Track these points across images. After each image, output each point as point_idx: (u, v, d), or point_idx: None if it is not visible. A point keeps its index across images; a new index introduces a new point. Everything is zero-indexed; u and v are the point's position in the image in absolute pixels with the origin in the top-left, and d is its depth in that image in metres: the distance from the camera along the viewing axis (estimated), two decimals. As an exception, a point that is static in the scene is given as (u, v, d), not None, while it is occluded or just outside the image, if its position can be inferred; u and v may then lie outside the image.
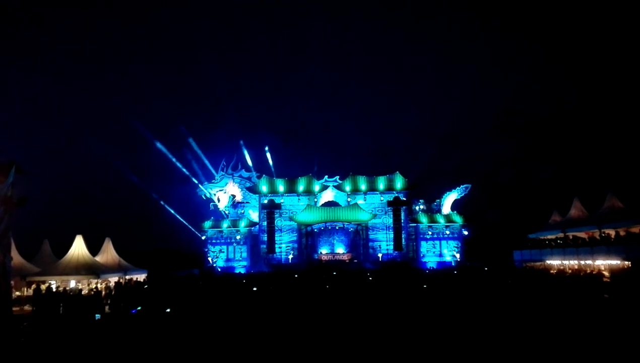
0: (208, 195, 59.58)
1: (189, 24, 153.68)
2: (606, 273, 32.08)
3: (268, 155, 63.98)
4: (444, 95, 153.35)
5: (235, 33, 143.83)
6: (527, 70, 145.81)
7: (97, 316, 17.63)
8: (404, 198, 58.85)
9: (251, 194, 60.20)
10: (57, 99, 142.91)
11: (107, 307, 24.65)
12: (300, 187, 59.48)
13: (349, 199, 59.15)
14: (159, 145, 65.78)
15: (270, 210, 58.60)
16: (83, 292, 27.98)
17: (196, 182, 59.62)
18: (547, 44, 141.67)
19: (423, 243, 57.45)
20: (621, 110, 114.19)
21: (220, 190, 59.79)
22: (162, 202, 63.09)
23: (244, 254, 57.46)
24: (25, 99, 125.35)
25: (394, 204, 58.20)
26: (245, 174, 60.80)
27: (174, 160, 61.22)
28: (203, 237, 57.98)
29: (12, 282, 22.41)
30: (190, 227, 59.68)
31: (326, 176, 60.57)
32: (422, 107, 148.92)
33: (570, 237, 42.21)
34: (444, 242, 57.34)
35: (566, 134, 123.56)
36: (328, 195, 59.94)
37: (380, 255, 57.42)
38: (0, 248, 14.84)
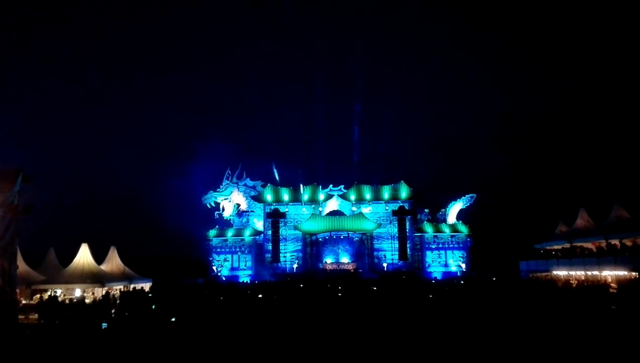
0: (213, 203, 59.63)
1: (190, 28, 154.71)
2: (613, 284, 31.82)
3: (272, 164, 64.01)
4: (449, 103, 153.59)
5: (238, 38, 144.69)
6: (532, 77, 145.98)
7: (104, 325, 17.57)
8: (409, 208, 58.74)
9: (256, 203, 60.23)
10: (63, 106, 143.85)
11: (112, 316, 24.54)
12: (305, 196, 59.51)
13: (353, 208, 59.05)
14: (164, 151, 65.95)
15: (275, 219, 58.57)
16: (87, 301, 27.88)
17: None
18: (553, 51, 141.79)
19: (428, 253, 57.26)
20: (629, 119, 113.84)
21: (225, 199, 59.88)
22: (166, 210, 63.14)
23: (249, 263, 57.41)
24: (32, 106, 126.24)
25: (399, 214, 58.06)
26: (250, 182, 60.91)
27: (179, 167, 61.17)
28: (207, 246, 57.85)
29: (18, 290, 22.42)
30: (194, 235, 59.63)
31: (331, 185, 60.60)
32: (428, 116, 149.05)
33: (578, 248, 41.88)
34: (449, 252, 57.12)
35: (572, 144, 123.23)
36: (333, 204, 59.82)
37: (385, 264, 57.23)
38: (6, 256, 14.86)
